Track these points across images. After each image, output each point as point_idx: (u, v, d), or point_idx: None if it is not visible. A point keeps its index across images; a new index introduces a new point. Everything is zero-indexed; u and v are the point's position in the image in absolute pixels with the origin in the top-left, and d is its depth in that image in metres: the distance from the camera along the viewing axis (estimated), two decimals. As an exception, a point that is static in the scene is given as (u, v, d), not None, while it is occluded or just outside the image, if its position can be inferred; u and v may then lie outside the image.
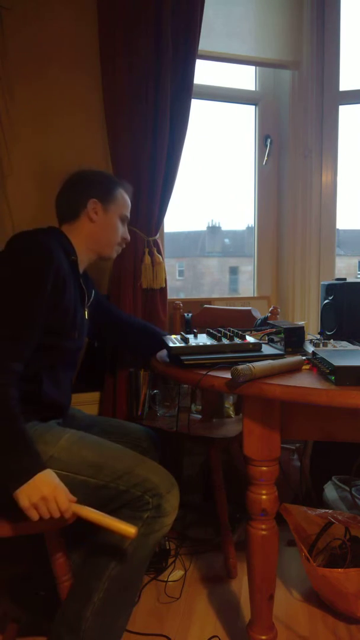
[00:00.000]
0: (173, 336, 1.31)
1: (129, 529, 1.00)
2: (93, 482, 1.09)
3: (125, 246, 1.49)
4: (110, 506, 1.09)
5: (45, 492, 0.98)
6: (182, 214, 2.16)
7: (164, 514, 1.09)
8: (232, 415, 1.79)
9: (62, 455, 1.09)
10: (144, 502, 1.08)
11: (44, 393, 1.19)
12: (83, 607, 1.07)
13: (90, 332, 1.48)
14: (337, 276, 1.57)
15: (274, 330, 1.33)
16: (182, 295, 1.60)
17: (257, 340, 1.17)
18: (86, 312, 1.38)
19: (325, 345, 1.24)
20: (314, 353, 1.11)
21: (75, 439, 1.15)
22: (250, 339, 1.19)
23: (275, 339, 1.30)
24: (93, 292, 1.48)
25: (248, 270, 2.35)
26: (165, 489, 1.10)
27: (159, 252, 1.86)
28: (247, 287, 2.36)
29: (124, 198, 1.43)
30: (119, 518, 1.07)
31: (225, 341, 1.17)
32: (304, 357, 1.12)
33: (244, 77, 2.22)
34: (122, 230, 1.43)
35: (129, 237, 1.47)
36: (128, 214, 1.45)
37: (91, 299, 1.44)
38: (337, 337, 1.40)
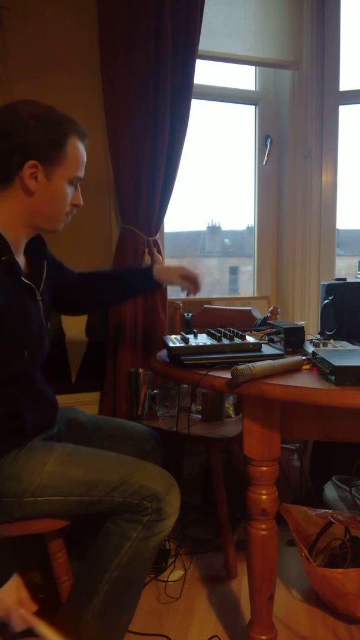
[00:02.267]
0: (173, 336, 1.31)
1: None
2: (87, 500, 1.06)
3: (76, 212, 1.16)
4: (109, 516, 1.08)
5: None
6: (182, 214, 2.16)
7: (164, 517, 1.07)
8: (232, 415, 1.79)
9: (50, 481, 1.05)
10: (143, 508, 1.05)
11: (24, 419, 1.09)
12: (83, 608, 1.06)
13: (56, 306, 1.31)
14: (337, 276, 1.57)
15: (274, 330, 1.33)
16: (182, 295, 1.59)
17: (257, 340, 1.17)
18: (40, 302, 1.15)
19: (325, 345, 1.24)
20: (314, 353, 1.11)
21: (63, 458, 1.08)
22: (250, 339, 1.19)
23: (275, 339, 1.30)
24: (44, 265, 1.20)
25: (248, 270, 2.35)
26: (164, 492, 1.07)
27: (159, 252, 1.86)
28: (247, 287, 2.36)
29: (76, 151, 1.07)
30: (119, 523, 1.06)
31: (225, 341, 1.17)
32: (304, 357, 1.12)
33: (244, 77, 2.22)
34: (72, 194, 1.11)
35: (81, 202, 1.14)
36: (82, 174, 1.11)
37: (43, 281, 1.17)
38: (337, 337, 1.40)
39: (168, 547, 1.69)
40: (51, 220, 1.11)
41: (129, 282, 1.46)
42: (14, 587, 0.93)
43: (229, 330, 1.28)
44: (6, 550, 0.95)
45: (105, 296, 1.48)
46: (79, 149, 1.08)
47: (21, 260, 1.12)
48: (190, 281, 1.45)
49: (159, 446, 1.40)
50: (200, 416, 1.75)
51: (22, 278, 1.08)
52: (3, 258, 1.02)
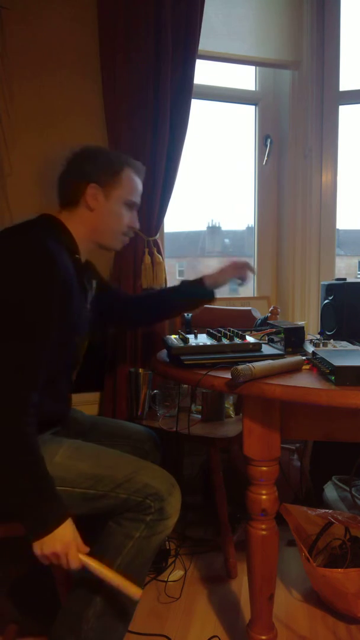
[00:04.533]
0: (173, 336, 1.31)
1: (135, 591, 0.99)
2: (92, 493, 1.07)
3: (133, 235, 1.36)
4: (112, 512, 1.08)
5: (57, 549, 0.97)
6: (182, 214, 2.16)
7: (166, 516, 1.08)
8: (232, 415, 1.79)
9: (58, 472, 1.06)
10: (146, 507, 1.07)
11: (43, 411, 1.11)
12: (85, 608, 1.06)
13: (98, 321, 1.42)
14: (337, 276, 1.57)
15: (274, 330, 1.33)
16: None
17: (257, 340, 1.17)
18: (89, 308, 1.31)
19: (325, 345, 1.24)
20: (314, 353, 1.11)
21: (71, 452, 1.11)
22: (250, 339, 1.19)
23: (275, 339, 1.30)
24: (94, 283, 1.37)
25: (248, 270, 2.34)
26: (166, 492, 1.09)
27: (159, 252, 1.86)
28: (247, 287, 2.36)
29: (131, 180, 1.28)
30: (122, 522, 1.07)
31: (225, 341, 1.17)
32: (304, 357, 1.12)
33: (244, 77, 2.22)
34: (129, 218, 1.29)
35: (137, 225, 1.32)
36: (136, 199, 1.30)
37: (93, 293, 1.34)
38: (337, 337, 1.40)
39: (168, 547, 1.69)
40: (109, 237, 1.28)
41: (183, 299, 1.52)
42: (71, 526, 0.99)
43: (229, 330, 1.28)
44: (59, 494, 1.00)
45: (155, 316, 1.59)
46: (133, 179, 1.28)
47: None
48: (241, 268, 1.51)
49: (157, 447, 1.42)
50: (200, 416, 1.75)
51: (84, 281, 1.25)
52: (77, 256, 1.20)
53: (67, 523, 0.98)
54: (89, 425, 1.38)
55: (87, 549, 1.01)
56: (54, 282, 1.03)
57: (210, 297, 1.51)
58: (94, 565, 1.00)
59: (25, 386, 0.98)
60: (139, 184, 1.30)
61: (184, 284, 1.52)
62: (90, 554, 1.03)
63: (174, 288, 1.55)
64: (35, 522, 0.97)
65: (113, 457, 1.15)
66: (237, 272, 1.50)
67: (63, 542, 0.97)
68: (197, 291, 1.49)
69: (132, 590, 0.99)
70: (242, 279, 1.52)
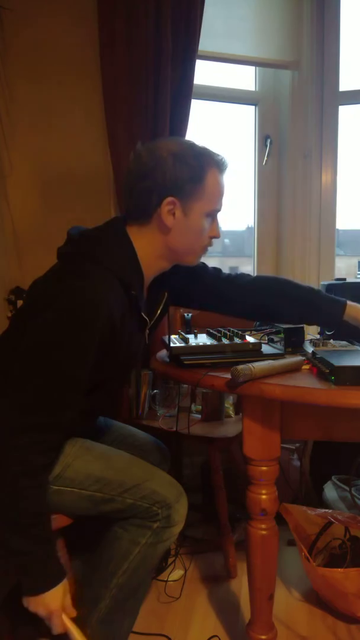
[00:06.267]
0: (173, 336, 1.31)
1: None
2: (99, 496, 1.06)
3: (212, 245, 1.15)
4: (119, 516, 1.07)
5: (42, 613, 0.95)
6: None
7: (173, 524, 1.07)
8: (232, 415, 1.80)
9: (68, 473, 1.04)
10: (154, 513, 1.05)
11: (75, 431, 1.09)
12: (89, 614, 1.06)
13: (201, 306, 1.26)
14: (337, 276, 1.57)
15: (273, 330, 1.33)
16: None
17: (257, 340, 1.17)
18: (147, 335, 1.17)
19: (325, 345, 1.24)
20: (313, 353, 1.11)
21: (81, 453, 1.08)
22: (250, 339, 1.19)
23: (275, 339, 1.30)
24: (164, 298, 1.19)
25: (248, 270, 2.34)
26: (174, 500, 1.07)
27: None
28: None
29: (216, 184, 1.06)
30: (129, 528, 1.06)
31: (225, 341, 1.17)
32: (303, 357, 1.12)
33: (244, 78, 2.22)
34: (209, 228, 1.10)
35: (219, 234, 1.13)
36: (220, 206, 1.10)
37: (156, 316, 1.19)
38: (337, 337, 1.40)
39: (168, 548, 1.69)
40: (187, 255, 1.11)
41: (309, 312, 1.21)
42: (61, 592, 0.96)
43: (229, 330, 1.28)
44: (57, 556, 0.97)
45: (271, 313, 1.28)
46: (219, 182, 1.08)
47: (144, 292, 1.12)
48: None
49: (165, 458, 1.38)
50: (200, 416, 1.75)
51: (142, 313, 1.09)
52: (132, 292, 1.03)
53: (58, 588, 0.95)
54: (103, 429, 1.35)
55: (75, 614, 0.99)
56: (94, 335, 0.93)
57: (337, 327, 1.24)
58: (75, 633, 0.98)
59: (45, 440, 0.94)
60: (223, 186, 1.09)
61: (323, 301, 1.19)
62: (94, 558, 1.03)
63: (311, 297, 1.21)
64: (26, 581, 0.95)
65: (123, 461, 1.13)
66: None
67: (49, 609, 0.95)
68: (330, 317, 1.19)
69: None
70: None
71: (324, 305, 1.19)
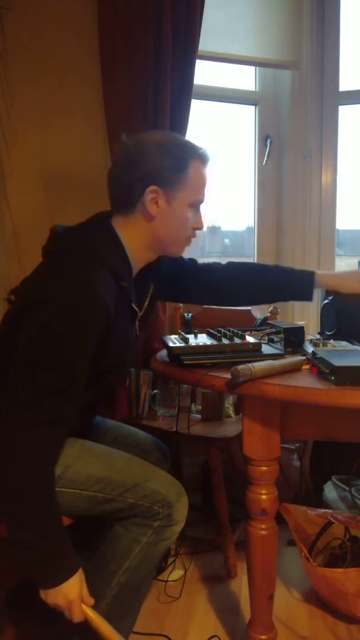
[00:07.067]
0: (173, 336, 1.31)
1: None
2: (101, 497, 1.06)
3: (195, 237, 1.18)
4: (119, 515, 1.08)
5: (60, 603, 0.95)
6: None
7: (174, 523, 1.07)
8: (232, 415, 1.80)
9: (69, 474, 1.04)
10: (154, 512, 1.05)
11: (74, 430, 1.09)
12: None
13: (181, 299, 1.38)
14: (337, 276, 1.56)
15: (273, 330, 1.33)
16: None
17: (257, 340, 1.17)
18: (137, 327, 1.17)
19: (325, 345, 1.24)
20: (313, 353, 1.11)
21: (82, 453, 1.08)
22: (250, 339, 1.19)
23: (275, 339, 1.30)
24: (150, 289, 1.21)
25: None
26: (174, 499, 1.08)
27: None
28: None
29: (198, 175, 1.08)
30: (130, 527, 1.06)
31: (225, 341, 1.17)
32: (303, 357, 1.12)
33: (244, 78, 2.22)
34: (193, 219, 1.12)
35: (203, 225, 1.15)
36: (203, 197, 1.12)
37: (144, 307, 1.20)
38: (337, 337, 1.40)
39: (168, 548, 1.69)
40: (172, 245, 1.13)
41: (280, 288, 1.31)
42: (78, 581, 0.96)
43: (229, 330, 1.28)
44: (70, 546, 0.97)
45: (246, 296, 1.37)
46: (201, 173, 1.10)
47: (132, 284, 1.13)
48: None
49: (165, 458, 1.38)
50: (200, 416, 1.75)
51: (132, 304, 1.11)
52: (123, 283, 1.04)
53: (75, 578, 0.96)
54: (102, 429, 1.35)
55: (92, 602, 0.99)
56: (92, 325, 0.95)
57: (310, 299, 1.31)
58: (96, 620, 0.99)
59: (50, 433, 0.94)
60: (206, 177, 1.11)
61: (291, 276, 1.29)
62: (95, 557, 1.03)
63: (279, 274, 1.31)
64: (42, 575, 0.95)
65: (123, 460, 1.13)
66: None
67: (67, 599, 0.95)
68: (302, 290, 1.28)
69: None
70: None
71: (295, 283, 1.29)
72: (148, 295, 1.22)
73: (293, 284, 1.29)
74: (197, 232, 1.18)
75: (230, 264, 1.36)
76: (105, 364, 1.05)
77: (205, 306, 1.99)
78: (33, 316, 0.95)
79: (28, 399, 0.92)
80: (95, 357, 0.98)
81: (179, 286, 1.32)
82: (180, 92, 1.77)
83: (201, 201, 1.12)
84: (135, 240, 1.09)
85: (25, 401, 0.92)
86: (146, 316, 1.23)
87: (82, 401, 1.00)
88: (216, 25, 1.95)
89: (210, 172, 1.12)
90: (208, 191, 1.13)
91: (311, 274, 1.28)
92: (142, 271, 1.16)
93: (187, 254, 1.26)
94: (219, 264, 1.35)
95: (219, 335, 1.22)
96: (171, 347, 1.17)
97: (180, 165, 1.05)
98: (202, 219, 1.15)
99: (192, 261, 1.34)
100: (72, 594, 0.95)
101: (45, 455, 0.95)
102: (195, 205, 1.11)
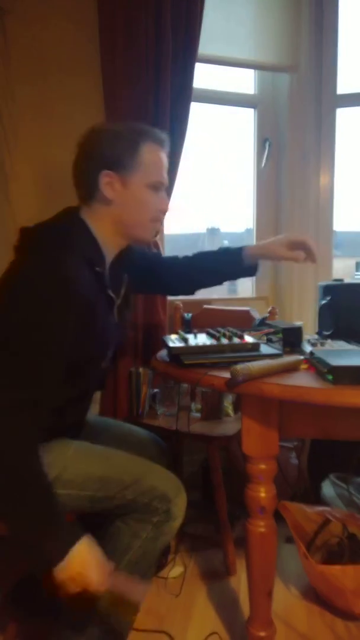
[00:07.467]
0: (173, 336, 1.32)
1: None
2: (99, 495, 1.07)
3: (162, 220, 1.20)
4: (118, 512, 1.09)
5: (76, 573, 0.91)
6: (181, 217, 2.17)
7: (172, 518, 1.08)
8: (231, 414, 1.81)
9: (67, 475, 1.05)
10: (154, 508, 1.07)
11: (65, 423, 1.10)
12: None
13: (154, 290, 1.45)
14: (335, 277, 1.58)
15: (272, 330, 1.34)
16: (181, 296, 1.59)
17: (255, 340, 1.18)
18: (116, 315, 1.20)
19: (322, 345, 1.26)
20: (311, 353, 1.13)
21: (79, 454, 1.10)
22: (249, 338, 1.20)
23: (274, 339, 1.32)
24: (125, 279, 1.23)
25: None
26: (173, 494, 1.09)
27: (159, 253, 1.87)
28: (246, 288, 2.38)
29: (154, 156, 1.09)
30: (129, 522, 1.07)
31: (224, 341, 1.18)
32: (301, 357, 1.13)
33: (243, 81, 2.24)
34: (157, 201, 1.12)
35: (166, 207, 1.15)
36: (162, 178, 1.11)
37: (121, 296, 1.22)
38: (335, 337, 1.41)
39: (168, 544, 1.70)
40: (137, 228, 1.13)
41: (215, 270, 1.39)
42: (86, 547, 0.94)
43: (228, 330, 1.29)
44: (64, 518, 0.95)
45: (197, 283, 1.44)
46: (156, 154, 1.10)
47: (107, 271, 1.14)
48: (306, 249, 1.32)
49: (162, 453, 1.39)
50: (199, 415, 1.77)
51: (109, 291, 1.12)
52: (97, 269, 1.06)
53: (81, 546, 0.93)
54: (100, 428, 1.36)
55: (113, 566, 0.97)
56: (69, 310, 0.96)
57: (249, 274, 1.39)
58: (125, 581, 0.97)
59: (25, 412, 0.92)
60: (163, 158, 1.11)
61: (220, 257, 1.37)
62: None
63: (210, 258, 1.39)
64: (45, 552, 0.91)
65: (120, 458, 1.14)
66: (293, 255, 1.32)
67: (82, 567, 0.91)
68: (232, 268, 1.36)
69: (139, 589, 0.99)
70: (311, 260, 1.33)
71: (228, 264, 1.37)
72: (123, 285, 1.23)
73: (227, 265, 1.37)
74: (162, 215, 1.19)
75: (186, 256, 1.43)
76: (88, 351, 1.06)
77: (205, 306, 2.01)
78: (6, 306, 0.95)
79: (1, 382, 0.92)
80: (77, 344, 0.98)
81: (153, 277, 1.38)
82: (180, 95, 1.79)
83: (160, 182, 1.12)
84: (102, 227, 1.10)
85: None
86: (124, 307, 1.25)
87: (69, 390, 1.01)
88: (216, 29, 1.97)
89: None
90: (166, 173, 1.13)
91: (239, 250, 1.34)
92: (115, 262, 1.18)
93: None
94: (178, 256, 1.43)
95: (218, 335, 1.23)
96: (171, 347, 1.18)
97: (132, 148, 1.07)
98: (165, 201, 1.15)
99: (159, 254, 1.41)
100: (85, 561, 0.92)
101: (17, 419, 0.91)
102: (155, 187, 1.11)
